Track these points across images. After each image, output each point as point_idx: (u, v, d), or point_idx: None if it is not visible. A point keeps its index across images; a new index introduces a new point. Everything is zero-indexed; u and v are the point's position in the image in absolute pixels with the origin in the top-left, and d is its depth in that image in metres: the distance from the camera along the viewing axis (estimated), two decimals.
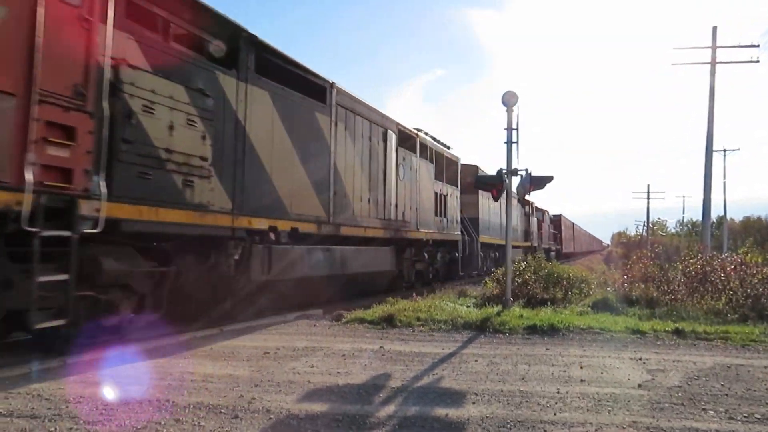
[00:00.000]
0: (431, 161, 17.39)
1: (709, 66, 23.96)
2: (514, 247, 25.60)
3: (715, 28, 24.25)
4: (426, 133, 17.39)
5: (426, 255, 16.99)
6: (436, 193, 17.54)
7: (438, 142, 18.62)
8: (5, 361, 5.52)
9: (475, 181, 12.11)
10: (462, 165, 21.52)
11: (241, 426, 3.98)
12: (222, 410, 4.28)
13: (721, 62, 24.10)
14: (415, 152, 16.06)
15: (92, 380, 5.09)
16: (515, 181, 10.90)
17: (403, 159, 15.03)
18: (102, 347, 6.18)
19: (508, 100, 10.81)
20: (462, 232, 20.15)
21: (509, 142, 10.79)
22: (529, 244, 33.60)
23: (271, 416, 4.18)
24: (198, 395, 4.66)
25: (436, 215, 17.38)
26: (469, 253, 20.83)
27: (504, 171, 10.70)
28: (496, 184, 10.95)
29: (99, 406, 4.31)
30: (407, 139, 15.59)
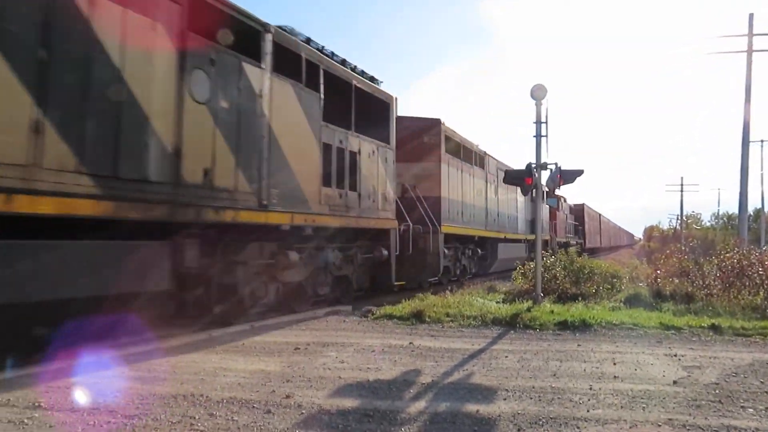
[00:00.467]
0: (315, 89, 9.74)
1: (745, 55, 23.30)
2: (511, 241, 22.71)
3: (751, 16, 23.50)
4: (313, 45, 9.95)
5: (305, 256, 9.67)
6: (328, 147, 10.16)
7: (353, 71, 11.42)
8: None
9: (504, 176, 11.98)
10: (409, 118, 14.98)
11: (273, 421, 4.02)
12: (254, 405, 4.34)
13: (758, 50, 23.40)
14: (261, 63, 8.26)
15: (128, 374, 5.20)
16: (544, 175, 10.76)
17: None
18: (135, 344, 6.31)
19: (537, 94, 10.69)
20: (404, 217, 13.49)
21: (538, 136, 10.68)
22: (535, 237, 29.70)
23: (303, 411, 4.22)
24: (231, 390, 4.73)
25: (329, 185, 10.11)
26: (418, 251, 13.80)
27: (533, 165, 10.60)
28: (524, 178, 10.85)
29: (135, 400, 4.41)
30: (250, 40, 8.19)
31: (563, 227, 34.49)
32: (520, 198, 24.63)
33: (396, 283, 12.71)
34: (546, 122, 10.67)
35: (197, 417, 4.04)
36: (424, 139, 15.18)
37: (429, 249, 14.26)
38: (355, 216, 10.96)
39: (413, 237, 13.65)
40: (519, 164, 24.65)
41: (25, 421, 3.91)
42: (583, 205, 45.18)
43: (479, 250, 19.12)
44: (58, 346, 5.92)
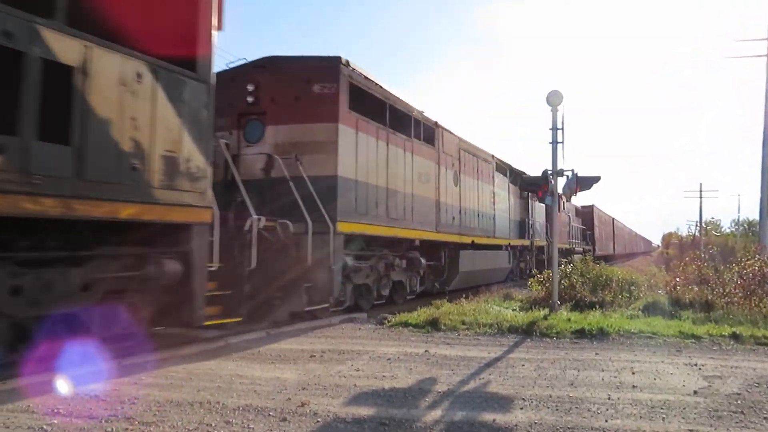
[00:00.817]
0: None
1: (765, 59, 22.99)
2: (485, 247, 17.15)
3: None
4: None
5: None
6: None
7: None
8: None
9: (521, 183, 11.94)
10: (289, 58, 10.35)
11: (289, 429, 4.02)
12: (270, 413, 4.35)
13: None
14: None
15: (145, 381, 5.24)
16: (561, 181, 10.68)
17: None
18: (153, 351, 6.36)
19: (553, 100, 10.65)
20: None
21: (554, 142, 10.64)
22: (527, 242, 22.88)
23: (318, 420, 4.22)
24: (246, 398, 4.74)
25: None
26: (282, 262, 8.89)
27: (549, 171, 10.55)
28: (541, 185, 10.79)
29: (152, 407, 4.44)
30: None
31: (565, 231, 29.43)
32: (502, 192, 19.72)
33: (209, 323, 7.10)
34: (562, 128, 10.63)
35: (213, 424, 4.06)
36: (313, 89, 9.83)
37: (306, 258, 8.87)
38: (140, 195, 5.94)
39: (281, 240, 8.74)
40: (513, 160, 21.09)
41: (45, 427, 3.96)
42: (592, 206, 39.76)
43: (424, 260, 13.24)
44: (76, 353, 5.99)
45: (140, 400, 4.60)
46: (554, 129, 10.63)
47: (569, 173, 10.57)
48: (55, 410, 4.29)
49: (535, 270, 15.16)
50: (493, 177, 18.73)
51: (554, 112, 10.62)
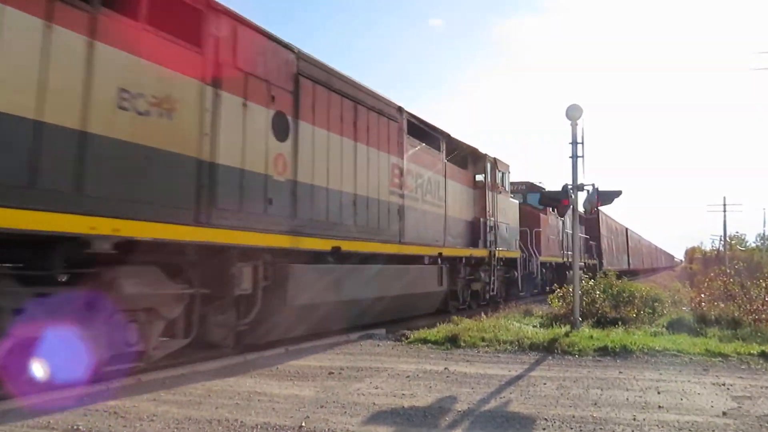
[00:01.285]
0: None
1: None
2: (384, 260, 10.31)
3: None
4: None
5: None
6: None
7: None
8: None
9: (540, 198, 11.83)
10: None
11: None
12: (288, 431, 4.31)
13: None
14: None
15: (164, 398, 5.24)
16: (581, 196, 10.56)
17: None
18: (172, 366, 6.37)
19: (573, 114, 10.57)
20: None
21: (574, 157, 10.53)
22: (484, 253, 14.85)
23: None
24: (265, 415, 4.71)
25: None
26: None
27: (569, 186, 10.44)
28: (561, 200, 10.69)
29: (171, 424, 4.42)
30: None
31: (555, 240, 22.98)
32: (428, 173, 12.46)
33: None
34: (582, 142, 10.53)
35: None
36: None
37: None
38: None
39: None
40: (534, 174, 20.10)
41: None
42: (597, 212, 30.99)
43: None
44: (93, 368, 6.00)
45: (159, 417, 4.59)
46: (574, 143, 10.53)
47: (589, 188, 10.46)
48: (75, 427, 4.30)
49: (557, 285, 13.06)
50: (402, 145, 11.36)
51: (574, 126, 10.52)
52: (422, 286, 11.96)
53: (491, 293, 15.44)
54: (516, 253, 17.40)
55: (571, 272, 20.46)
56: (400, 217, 11.13)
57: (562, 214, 11.08)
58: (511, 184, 18.74)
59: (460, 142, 14.13)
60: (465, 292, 14.50)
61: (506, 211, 16.77)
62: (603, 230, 33.13)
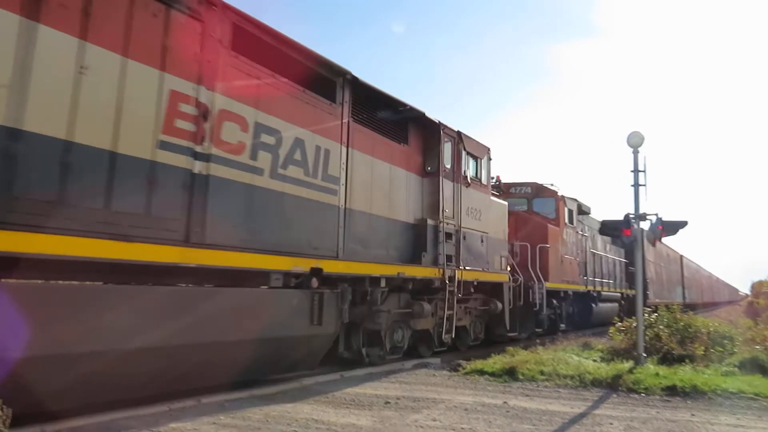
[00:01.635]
0: None
1: None
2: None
3: None
4: None
5: None
6: None
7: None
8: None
9: (600, 227, 11.50)
10: None
11: None
12: None
13: None
14: None
15: (224, 421, 5.26)
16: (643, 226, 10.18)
17: None
18: (232, 390, 6.41)
19: (634, 141, 10.28)
20: None
21: (636, 185, 10.21)
22: (434, 272, 9.78)
23: None
24: None
25: None
26: None
27: (632, 216, 10.11)
28: (622, 230, 10.35)
29: None
30: None
31: (573, 261, 16.95)
32: (309, 139, 7.48)
33: None
34: (644, 170, 10.20)
35: None
36: None
37: None
38: None
39: None
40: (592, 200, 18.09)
41: None
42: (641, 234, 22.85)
43: None
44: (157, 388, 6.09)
45: None
46: (636, 171, 10.21)
47: (653, 217, 10.09)
48: None
49: (617, 318, 12.00)
50: (214, 64, 6.23)
51: (635, 153, 10.22)
52: (258, 326, 6.61)
53: (445, 334, 10.18)
54: (500, 276, 12.36)
55: (598, 305, 18.09)
56: (193, 194, 5.91)
57: (627, 241, 10.68)
58: (514, 184, 15.67)
59: (387, 96, 9.16)
60: (399, 333, 9.45)
61: (483, 215, 11.84)
62: (649, 256, 25.49)
